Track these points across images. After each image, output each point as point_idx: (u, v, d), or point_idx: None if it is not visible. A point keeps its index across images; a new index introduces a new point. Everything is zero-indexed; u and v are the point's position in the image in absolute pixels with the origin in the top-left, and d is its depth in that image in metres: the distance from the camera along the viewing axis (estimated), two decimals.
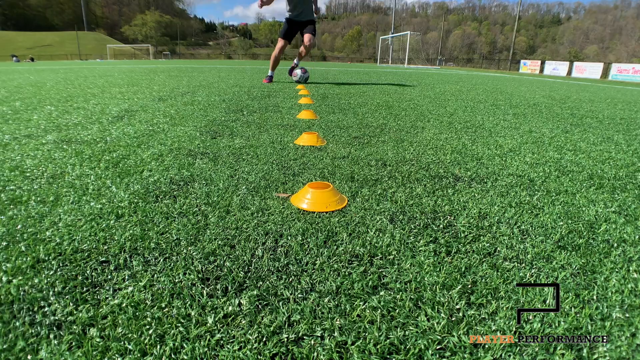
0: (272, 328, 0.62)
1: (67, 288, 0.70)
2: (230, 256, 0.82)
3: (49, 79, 5.94)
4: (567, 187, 1.33)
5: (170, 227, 0.93)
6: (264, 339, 0.60)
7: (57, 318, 0.62)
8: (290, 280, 0.75)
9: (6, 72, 8.24)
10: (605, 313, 0.68)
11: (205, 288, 0.71)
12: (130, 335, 0.59)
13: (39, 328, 0.60)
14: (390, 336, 0.61)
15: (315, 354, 0.57)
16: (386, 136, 2.09)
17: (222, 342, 0.59)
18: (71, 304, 0.66)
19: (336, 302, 0.69)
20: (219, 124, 2.31)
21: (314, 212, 1.05)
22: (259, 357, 0.56)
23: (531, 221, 1.04)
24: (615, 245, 0.93)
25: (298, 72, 5.66)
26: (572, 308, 0.69)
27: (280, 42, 5.51)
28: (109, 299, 0.67)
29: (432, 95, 4.73)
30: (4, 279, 0.72)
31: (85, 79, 6.02)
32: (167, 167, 1.41)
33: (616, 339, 0.63)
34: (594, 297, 0.72)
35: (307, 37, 5.35)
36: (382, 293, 0.72)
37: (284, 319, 0.64)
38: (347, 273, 0.78)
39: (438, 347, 0.60)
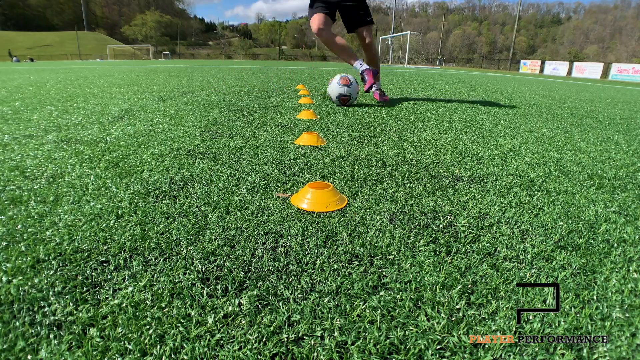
0: (272, 328, 0.62)
1: (67, 288, 0.70)
2: (230, 256, 0.82)
3: (49, 79, 5.95)
4: (567, 187, 1.33)
5: (170, 227, 0.93)
6: (264, 339, 0.60)
7: (57, 318, 0.62)
8: (290, 280, 0.75)
9: (6, 72, 8.24)
10: (605, 313, 0.68)
11: (205, 288, 0.71)
12: (130, 335, 0.59)
13: (39, 328, 0.60)
14: (390, 336, 0.61)
15: (315, 354, 0.57)
16: (386, 136, 2.09)
17: (222, 342, 0.59)
18: (71, 304, 0.66)
19: (336, 302, 0.69)
20: (219, 124, 2.31)
21: (314, 212, 1.05)
22: (259, 357, 0.56)
23: (531, 221, 1.04)
24: (615, 245, 0.93)
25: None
26: (572, 308, 0.69)
27: (316, 19, 3.20)
28: (109, 299, 0.67)
29: (432, 95, 4.73)
30: (4, 279, 0.72)
31: (85, 79, 6.03)
32: (167, 167, 1.41)
33: (616, 339, 0.63)
34: (594, 297, 0.72)
35: (362, 31, 3.38)
36: (382, 293, 0.72)
37: (284, 319, 0.64)
38: (347, 273, 0.78)
39: (438, 347, 0.60)
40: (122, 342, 0.58)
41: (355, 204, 1.12)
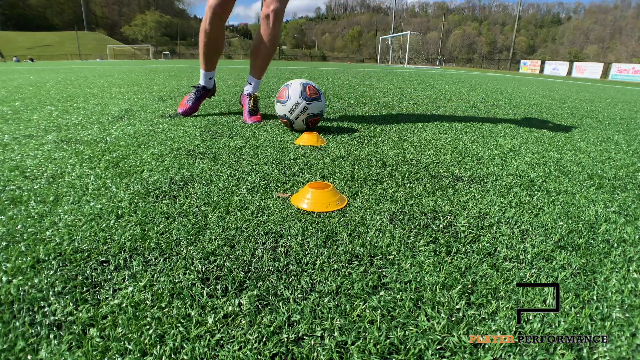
0: (272, 328, 0.62)
1: (67, 288, 0.70)
2: (230, 256, 0.82)
3: (49, 79, 5.95)
4: (567, 187, 1.33)
5: (170, 227, 0.93)
6: (264, 339, 0.60)
7: (57, 318, 0.62)
8: (290, 280, 0.75)
9: (6, 72, 8.24)
10: (605, 313, 0.68)
11: (205, 288, 0.71)
12: (130, 335, 0.59)
13: (39, 328, 0.60)
14: (390, 336, 0.61)
15: (315, 354, 0.57)
16: (386, 136, 2.09)
17: (222, 342, 0.59)
18: (71, 304, 0.66)
19: (336, 302, 0.69)
20: (219, 124, 2.31)
21: (314, 212, 1.05)
22: (259, 357, 0.56)
23: (531, 221, 1.04)
24: (615, 245, 0.93)
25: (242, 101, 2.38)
26: (572, 308, 0.69)
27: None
28: (109, 299, 0.67)
29: (432, 95, 4.73)
30: (4, 279, 0.72)
31: (85, 79, 6.03)
32: (167, 167, 1.41)
33: (616, 339, 0.63)
34: (594, 297, 0.72)
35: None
36: (382, 293, 0.72)
37: (284, 319, 0.64)
38: (347, 273, 0.77)
39: (438, 347, 0.60)
40: (122, 342, 0.58)
41: (355, 204, 1.12)
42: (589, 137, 2.31)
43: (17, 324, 0.61)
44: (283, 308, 0.67)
